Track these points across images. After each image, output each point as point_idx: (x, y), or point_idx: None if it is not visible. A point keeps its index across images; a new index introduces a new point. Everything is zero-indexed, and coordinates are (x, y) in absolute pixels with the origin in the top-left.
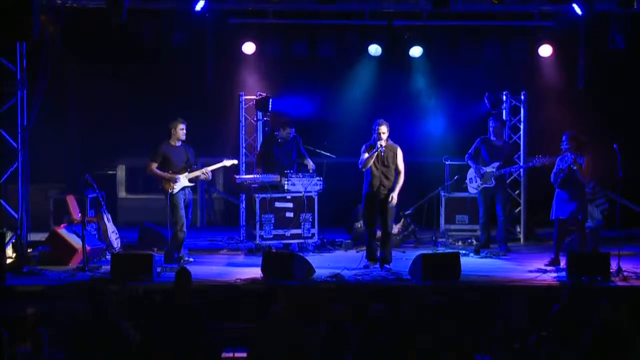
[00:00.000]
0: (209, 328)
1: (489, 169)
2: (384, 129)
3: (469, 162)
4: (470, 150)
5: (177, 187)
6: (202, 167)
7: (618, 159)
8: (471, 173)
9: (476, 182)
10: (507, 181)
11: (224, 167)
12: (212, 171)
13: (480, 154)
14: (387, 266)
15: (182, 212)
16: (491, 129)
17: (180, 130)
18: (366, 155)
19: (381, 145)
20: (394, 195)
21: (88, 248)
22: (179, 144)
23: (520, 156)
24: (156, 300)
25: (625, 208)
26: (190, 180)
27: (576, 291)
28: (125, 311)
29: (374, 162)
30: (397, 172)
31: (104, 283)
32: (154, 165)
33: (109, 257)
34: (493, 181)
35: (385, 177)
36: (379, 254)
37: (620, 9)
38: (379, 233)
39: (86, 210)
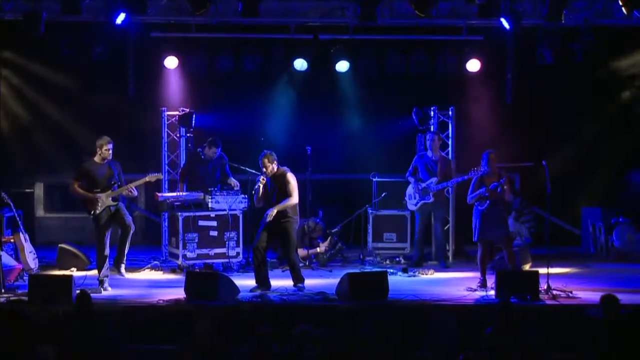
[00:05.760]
0: (125, 351)
1: (426, 185)
2: (264, 162)
3: (409, 178)
4: (410, 168)
5: (99, 207)
6: (125, 184)
7: (546, 175)
8: (410, 189)
9: (415, 198)
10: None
11: (146, 183)
12: (135, 187)
13: (418, 171)
14: (301, 285)
15: (107, 232)
16: (428, 142)
17: (106, 150)
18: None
19: (264, 179)
20: (273, 212)
21: (4, 269)
22: (104, 161)
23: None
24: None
25: (554, 225)
26: (113, 199)
27: (506, 313)
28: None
29: (263, 195)
30: (288, 196)
31: (22, 305)
32: (76, 184)
33: (26, 278)
34: (430, 197)
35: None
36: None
37: (548, 24)
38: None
39: (2, 229)
